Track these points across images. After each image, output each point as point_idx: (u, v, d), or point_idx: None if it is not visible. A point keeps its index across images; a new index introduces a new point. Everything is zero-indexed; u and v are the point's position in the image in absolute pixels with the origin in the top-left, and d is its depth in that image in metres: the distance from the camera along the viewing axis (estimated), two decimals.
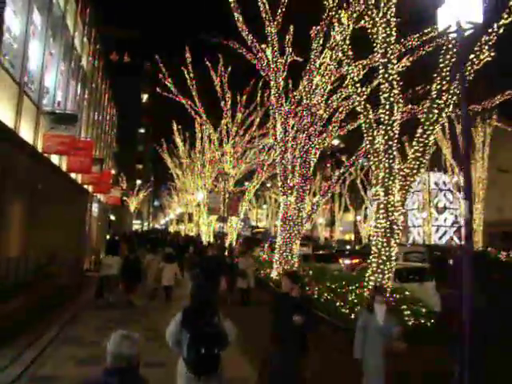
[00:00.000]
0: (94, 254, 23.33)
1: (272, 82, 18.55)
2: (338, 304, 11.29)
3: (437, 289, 13.46)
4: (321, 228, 67.09)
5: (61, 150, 11.75)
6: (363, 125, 11.55)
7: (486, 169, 37.07)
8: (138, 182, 76.70)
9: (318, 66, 17.41)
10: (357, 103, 11.71)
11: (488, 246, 36.42)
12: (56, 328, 10.71)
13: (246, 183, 46.12)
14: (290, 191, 17.85)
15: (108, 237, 31.12)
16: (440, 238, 64.84)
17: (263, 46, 18.81)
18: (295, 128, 18.47)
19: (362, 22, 11.83)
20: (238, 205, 26.98)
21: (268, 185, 62.20)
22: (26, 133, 10.96)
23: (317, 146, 17.79)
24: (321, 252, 24.65)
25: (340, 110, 17.68)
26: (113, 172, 46.28)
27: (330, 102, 17.50)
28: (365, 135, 11.54)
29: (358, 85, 11.82)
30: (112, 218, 43.37)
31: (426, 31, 13.33)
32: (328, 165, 67.58)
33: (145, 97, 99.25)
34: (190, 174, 45.58)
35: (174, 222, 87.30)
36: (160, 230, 71.57)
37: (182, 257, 17.69)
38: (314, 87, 17.37)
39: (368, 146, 11.46)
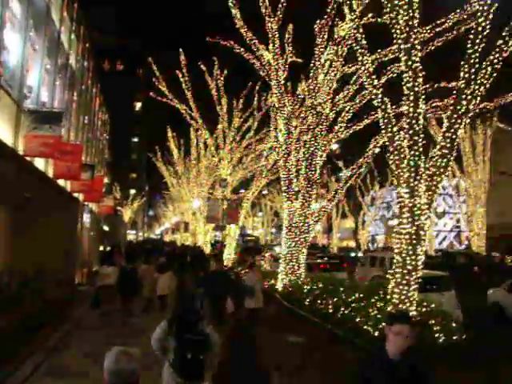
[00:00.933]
0: (86, 266, 22.04)
1: (273, 81, 17.43)
2: (358, 320, 10.09)
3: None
4: (319, 235, 65.76)
5: (45, 153, 10.53)
6: (381, 120, 10.42)
7: (487, 172, 36.07)
8: (132, 191, 75.37)
9: (322, 62, 16.32)
10: (373, 96, 10.57)
11: (491, 250, 35.32)
12: (41, 354, 9.44)
13: (242, 191, 45.08)
14: (294, 196, 16.69)
15: (101, 248, 29.87)
16: (440, 243, 63.86)
17: (262, 46, 17.76)
18: (298, 129, 17.35)
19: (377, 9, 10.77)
20: (238, 212, 25.78)
21: (264, 192, 61.24)
22: (4, 133, 9.75)
23: (323, 148, 16.67)
24: (326, 260, 23.38)
25: (347, 108, 16.62)
26: (106, 180, 45.04)
27: (336, 100, 16.41)
28: (383, 132, 10.42)
29: (373, 76, 10.70)
30: (105, 228, 42.05)
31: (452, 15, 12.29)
32: (324, 171, 66.86)
33: (138, 105, 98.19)
34: (185, 182, 44.34)
35: (169, 232, 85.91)
36: (155, 240, 70.14)
37: (181, 267, 16.26)
38: (318, 85, 16.26)
39: (387, 143, 10.32)
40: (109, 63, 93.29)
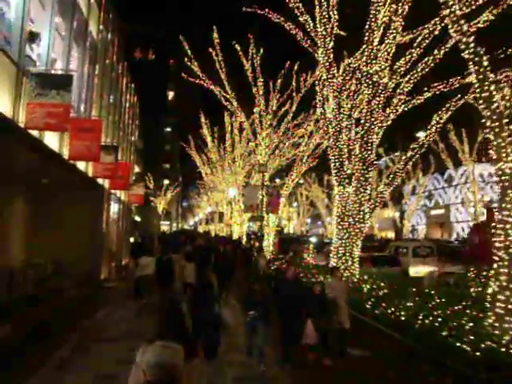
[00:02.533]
0: (115, 259, 20.38)
1: (320, 50, 15.15)
2: (444, 333, 7.84)
3: None
4: None
5: (50, 125, 8.64)
6: (475, 79, 8.07)
7: None
8: (166, 181, 74.16)
9: (379, 23, 13.94)
10: (463, 46, 8.21)
11: None
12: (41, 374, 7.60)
13: (277, 180, 43.01)
14: (347, 180, 14.45)
15: (132, 239, 28.31)
16: None
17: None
18: (350, 104, 15.08)
19: None
20: (279, 200, 23.62)
21: (300, 181, 58.80)
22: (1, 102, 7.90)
23: (379, 124, 14.33)
24: (377, 254, 20.96)
25: (407, 78, 14.25)
26: (137, 169, 43.63)
27: (396, 66, 14.04)
28: (478, 92, 8.06)
29: (462, 21, 8.33)
30: (137, 218, 40.60)
31: None
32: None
33: (171, 94, 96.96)
34: (219, 170, 42.54)
35: (203, 222, 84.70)
36: (188, 231, 68.90)
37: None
38: (375, 50, 13.91)
39: (482, 106, 7.98)
40: (140, 52, 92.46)
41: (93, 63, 14.18)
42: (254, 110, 29.63)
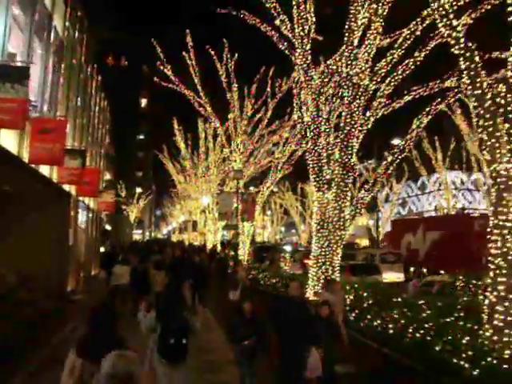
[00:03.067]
0: (84, 270, 19.35)
1: (298, 51, 14.63)
2: (438, 348, 7.26)
3: None
4: None
5: (3, 121, 7.78)
6: (466, 76, 7.59)
7: None
8: (138, 189, 72.76)
9: (359, 24, 13.49)
10: (452, 42, 7.74)
11: None
12: None
13: (252, 188, 42.37)
14: (326, 186, 13.89)
15: (102, 249, 27.23)
16: None
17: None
18: (328, 107, 14.59)
19: None
20: (254, 207, 22.95)
21: (274, 189, 58.27)
22: None
23: (359, 128, 13.84)
24: (354, 262, 20.46)
25: (387, 81, 13.82)
26: (108, 177, 42.42)
27: (377, 68, 13.60)
28: (469, 89, 7.58)
29: (451, 16, 7.86)
30: (108, 227, 39.32)
31: None
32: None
33: (144, 101, 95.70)
34: (193, 178, 41.71)
35: (176, 231, 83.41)
36: (161, 240, 67.50)
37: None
38: (355, 51, 13.45)
39: (475, 104, 7.50)
40: (113, 59, 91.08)
41: (58, 61, 13.32)
42: (229, 116, 29.06)
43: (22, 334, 10.47)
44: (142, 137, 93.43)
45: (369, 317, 9.91)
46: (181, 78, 26.76)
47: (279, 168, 26.03)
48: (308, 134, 14.47)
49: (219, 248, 34.29)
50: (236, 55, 28.18)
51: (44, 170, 12.65)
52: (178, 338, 5.26)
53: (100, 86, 22.89)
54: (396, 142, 33.37)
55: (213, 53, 27.43)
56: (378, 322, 9.40)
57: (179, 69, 27.48)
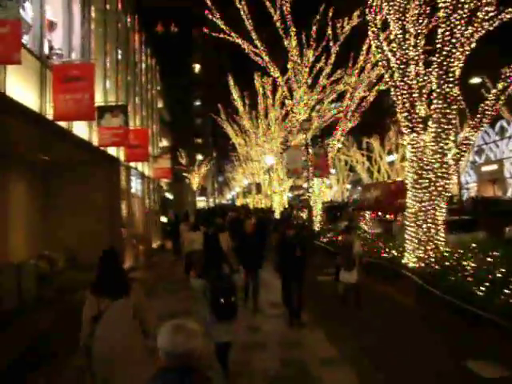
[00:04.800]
0: (143, 243, 17.75)
1: None
2: None
3: None
4: None
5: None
6: None
7: None
8: (199, 156, 71.54)
9: None
10: None
11: None
12: None
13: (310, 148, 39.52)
14: (421, 125, 11.13)
15: (165, 219, 25.80)
16: None
17: None
18: (414, 30, 11.65)
19: None
20: (327, 161, 20.36)
21: (338, 145, 54.85)
22: None
23: (460, 49, 10.84)
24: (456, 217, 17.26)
25: None
26: (165, 144, 41.02)
27: None
28: None
29: None
30: (169, 196, 38.04)
31: None
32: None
33: (197, 67, 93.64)
34: (254, 138, 39.45)
35: (240, 196, 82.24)
36: (225, 206, 66.38)
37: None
38: None
39: None
40: (162, 26, 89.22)
41: (87, 3, 11.17)
42: (288, 66, 26.28)
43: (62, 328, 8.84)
44: (198, 103, 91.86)
45: (507, 291, 7.31)
46: (234, 29, 24.26)
47: (349, 117, 23.30)
48: (393, 64, 11.65)
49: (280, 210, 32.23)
50: None
51: (81, 131, 10.73)
52: (227, 297, 5.45)
53: (146, 42, 20.74)
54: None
55: None
56: None
57: (231, 21, 24.93)
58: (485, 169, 63.07)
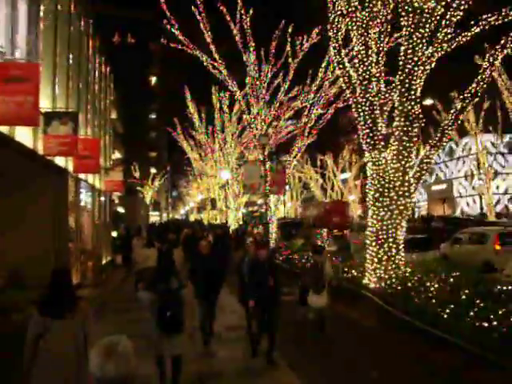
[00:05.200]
0: (92, 259, 16.80)
1: None
2: None
3: None
4: (353, 205, 59.54)
5: None
6: None
7: None
8: (153, 170, 70.16)
9: None
10: None
11: None
12: None
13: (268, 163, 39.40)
14: (382, 143, 10.97)
15: (115, 234, 24.75)
16: (494, 205, 57.07)
17: None
18: (375, 47, 11.57)
19: None
20: (284, 178, 20.04)
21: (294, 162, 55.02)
22: None
23: (421, 67, 10.80)
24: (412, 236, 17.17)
25: (455, 4, 10.73)
26: (118, 156, 39.87)
27: None
28: None
29: None
30: (120, 210, 36.81)
31: None
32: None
33: (153, 79, 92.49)
34: (210, 153, 38.90)
35: (194, 211, 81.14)
36: (178, 221, 65.17)
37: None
38: None
39: None
40: (119, 37, 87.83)
41: (35, 3, 10.42)
42: (246, 81, 26.02)
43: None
44: (153, 116, 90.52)
45: (472, 313, 7.07)
46: (191, 42, 23.82)
47: (306, 134, 23.22)
48: (355, 80, 11.50)
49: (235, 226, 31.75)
50: (251, 11, 24.94)
51: (25, 138, 9.92)
52: (174, 311, 5.47)
53: (100, 49, 19.93)
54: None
55: (224, 10, 24.28)
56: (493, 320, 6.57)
57: (190, 33, 24.49)
58: (435, 188, 64.97)
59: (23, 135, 9.77)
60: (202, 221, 54.51)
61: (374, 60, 11.24)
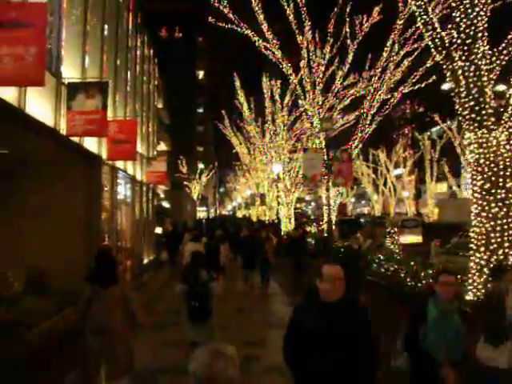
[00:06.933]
0: (131, 258, 15.02)
1: None
2: None
3: None
4: (408, 202, 56.03)
5: None
6: None
7: None
8: (200, 165, 68.82)
9: None
10: None
11: None
12: None
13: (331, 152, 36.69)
14: (493, 119, 8.45)
15: (159, 230, 23.13)
16: None
17: None
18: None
19: None
20: (351, 167, 17.58)
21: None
22: None
23: None
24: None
25: None
26: (164, 148, 38.37)
27: None
28: None
29: None
30: (165, 205, 35.22)
31: None
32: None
33: (201, 74, 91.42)
34: (260, 145, 36.82)
35: (242, 207, 79.50)
36: (225, 217, 63.59)
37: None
38: None
39: None
40: (166, 31, 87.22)
41: None
42: (301, 64, 23.78)
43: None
44: (200, 110, 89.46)
45: None
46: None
47: (368, 122, 20.77)
48: (454, 40, 8.99)
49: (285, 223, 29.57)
50: None
51: (45, 117, 8.05)
52: (199, 302, 5.94)
53: (142, 24, 18.04)
54: None
55: None
56: None
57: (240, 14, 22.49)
58: None
59: (44, 114, 7.86)
60: (251, 218, 52.67)
61: (483, 13, 8.71)
